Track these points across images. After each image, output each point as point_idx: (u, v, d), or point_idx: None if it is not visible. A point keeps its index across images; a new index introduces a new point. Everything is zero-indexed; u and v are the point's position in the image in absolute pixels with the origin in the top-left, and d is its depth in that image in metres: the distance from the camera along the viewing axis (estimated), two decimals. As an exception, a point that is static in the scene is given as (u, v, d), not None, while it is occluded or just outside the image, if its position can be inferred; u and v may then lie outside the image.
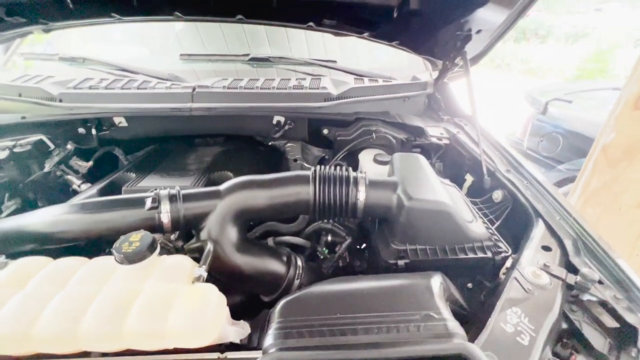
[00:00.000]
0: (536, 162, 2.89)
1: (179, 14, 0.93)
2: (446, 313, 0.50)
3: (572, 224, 0.76)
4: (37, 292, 0.52)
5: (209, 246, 0.67)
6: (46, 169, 1.06)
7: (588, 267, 0.67)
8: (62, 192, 1.12)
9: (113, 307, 0.51)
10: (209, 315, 0.51)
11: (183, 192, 0.73)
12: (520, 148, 3.05)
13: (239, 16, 0.93)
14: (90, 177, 1.14)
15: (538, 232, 0.76)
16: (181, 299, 0.52)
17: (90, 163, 1.15)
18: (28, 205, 1.07)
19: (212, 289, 0.55)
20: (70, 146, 1.11)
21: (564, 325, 0.59)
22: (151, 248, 0.58)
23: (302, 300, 0.54)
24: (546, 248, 0.72)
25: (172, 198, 0.71)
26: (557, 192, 0.85)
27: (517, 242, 0.80)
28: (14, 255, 0.66)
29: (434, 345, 0.44)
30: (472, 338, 0.51)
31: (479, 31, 0.98)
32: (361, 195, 0.75)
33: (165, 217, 0.69)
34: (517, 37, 10.26)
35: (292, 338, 0.46)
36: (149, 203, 0.68)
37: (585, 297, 0.63)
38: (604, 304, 0.61)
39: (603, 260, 0.68)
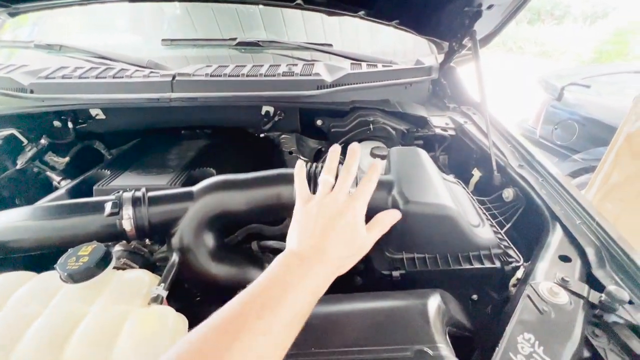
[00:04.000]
0: (550, 152, 2.75)
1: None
2: (444, 347, 0.41)
3: (596, 229, 0.66)
4: (-34, 316, 0.45)
5: (174, 258, 0.60)
6: (18, 166, 0.99)
7: (615, 282, 0.57)
8: (43, 189, 1.05)
9: (51, 335, 0.43)
10: (163, 344, 0.44)
11: (150, 194, 0.65)
12: (533, 137, 2.90)
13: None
14: (73, 172, 1.07)
15: (555, 239, 0.66)
16: (131, 325, 0.44)
17: (67, 159, 1.08)
18: (2, 203, 1.01)
19: (168, 312, 0.47)
20: (44, 141, 1.04)
21: (586, 354, 0.50)
22: (102, 263, 0.50)
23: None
24: (564, 258, 0.62)
25: (136, 201, 0.62)
26: (578, 192, 0.75)
27: (530, 248, 0.70)
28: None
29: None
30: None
31: (490, 6, 0.85)
32: None
33: (128, 224, 0.61)
34: (531, 18, 9.79)
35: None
36: (108, 208, 0.60)
37: (611, 318, 0.54)
38: (634, 328, 0.52)
39: (633, 274, 0.58)
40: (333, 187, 0.51)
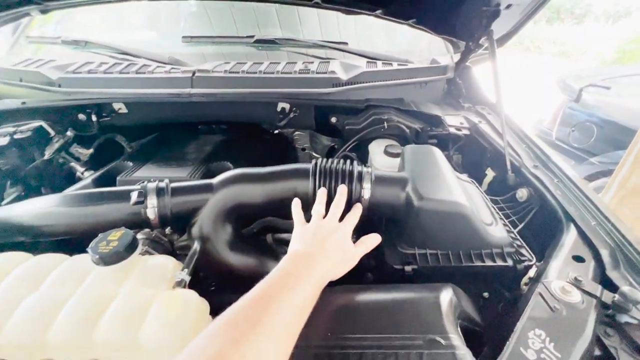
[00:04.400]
0: (566, 154, 2.69)
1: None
2: (455, 338, 0.43)
3: (611, 230, 0.66)
4: (7, 293, 0.49)
5: (195, 246, 0.62)
6: (46, 156, 1.04)
7: (629, 284, 0.57)
8: (66, 179, 1.10)
9: (84, 314, 0.46)
10: (187, 325, 0.46)
11: (172, 185, 0.68)
12: (549, 138, 2.84)
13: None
14: (95, 164, 1.12)
15: (569, 240, 0.66)
16: (157, 307, 0.47)
17: (91, 150, 1.12)
18: (31, 192, 1.06)
19: (191, 295, 0.50)
20: (70, 133, 1.08)
21: (597, 352, 0.51)
22: (130, 248, 0.53)
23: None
24: (578, 258, 0.62)
25: (160, 192, 0.65)
26: (594, 193, 0.74)
27: (543, 249, 0.70)
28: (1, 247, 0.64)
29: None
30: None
31: (508, 6, 0.85)
32: (366, 192, 0.67)
33: (152, 213, 0.64)
34: (550, 17, 9.54)
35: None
36: (134, 197, 0.64)
37: (624, 319, 0.54)
38: (646, 328, 0.52)
39: (648, 276, 0.58)
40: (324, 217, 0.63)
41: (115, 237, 0.54)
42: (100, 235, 0.55)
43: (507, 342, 0.47)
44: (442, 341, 0.42)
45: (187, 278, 0.53)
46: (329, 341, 0.42)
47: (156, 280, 0.52)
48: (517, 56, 8.06)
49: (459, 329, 0.47)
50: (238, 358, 0.34)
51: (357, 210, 0.67)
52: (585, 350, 0.48)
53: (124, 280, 0.52)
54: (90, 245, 0.52)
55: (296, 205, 0.68)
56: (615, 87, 2.61)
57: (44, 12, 1.01)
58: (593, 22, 8.89)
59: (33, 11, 1.00)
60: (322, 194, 0.68)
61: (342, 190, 0.67)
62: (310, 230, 0.59)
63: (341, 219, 0.64)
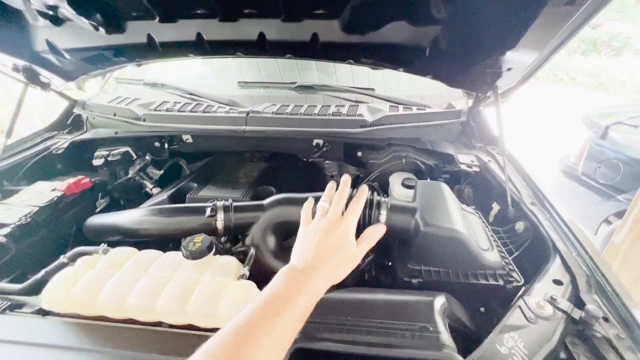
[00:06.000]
0: (592, 190, 2.70)
1: (240, 54, 1.12)
2: (442, 327, 0.59)
3: (588, 261, 0.79)
4: (128, 275, 0.71)
5: (252, 251, 0.83)
6: (130, 175, 1.31)
7: (597, 304, 0.70)
8: (137, 193, 1.38)
9: (180, 292, 0.67)
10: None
11: (235, 204, 0.90)
12: (575, 173, 2.86)
13: (289, 55, 1.10)
14: (160, 181, 1.39)
15: (553, 267, 0.79)
16: (228, 291, 0.67)
17: (162, 171, 1.39)
18: (113, 203, 1.33)
19: (252, 285, 0.69)
20: (148, 157, 1.37)
21: (563, 356, 0.63)
22: (209, 248, 0.75)
23: (323, 302, 0.66)
24: (557, 282, 0.75)
25: (226, 209, 0.87)
26: (579, 229, 0.87)
27: (535, 273, 0.83)
28: (108, 244, 0.88)
29: (423, 351, 0.53)
30: (467, 355, 0.59)
31: (509, 69, 1.03)
32: (382, 218, 0.85)
33: (220, 224, 0.86)
34: (585, 49, 9.43)
35: (311, 331, 0.58)
36: (208, 212, 0.86)
37: (590, 332, 0.66)
38: (608, 340, 0.64)
39: (613, 300, 0.70)
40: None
41: (199, 240, 0.75)
42: (187, 238, 0.77)
43: (485, 340, 0.62)
44: (431, 328, 0.58)
45: (247, 273, 0.73)
46: (349, 321, 0.59)
47: (226, 273, 0.72)
48: (549, 87, 7.99)
49: (446, 324, 0.63)
50: None
51: (361, 195, 0.66)
52: (550, 352, 0.61)
53: (204, 271, 0.72)
54: (182, 245, 0.74)
55: (307, 204, 0.69)
56: (644, 125, 2.62)
57: (139, 65, 1.32)
58: (632, 55, 8.68)
59: (131, 65, 1.30)
60: (329, 188, 0.68)
61: (345, 179, 0.67)
62: (310, 230, 0.59)
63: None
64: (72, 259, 0.78)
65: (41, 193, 1.07)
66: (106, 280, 0.69)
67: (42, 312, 0.68)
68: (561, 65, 8.51)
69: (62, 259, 0.78)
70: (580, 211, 2.74)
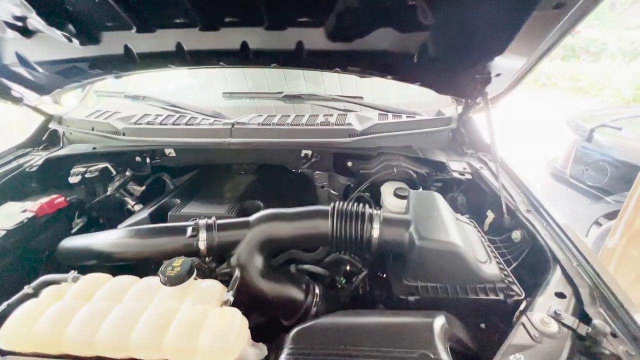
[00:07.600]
0: (580, 192, 2.72)
1: (224, 64, 1.07)
2: (443, 354, 0.54)
3: (590, 271, 0.75)
4: (99, 306, 0.64)
5: (237, 273, 0.77)
6: (109, 192, 1.24)
7: (603, 318, 0.66)
8: (118, 211, 1.30)
9: (156, 324, 0.61)
10: (233, 337, 0.60)
11: (218, 222, 0.84)
12: (563, 176, 2.89)
13: (274, 64, 1.06)
14: (143, 198, 1.32)
15: (554, 278, 0.76)
16: (210, 321, 0.61)
17: (143, 187, 1.33)
18: (92, 222, 1.25)
19: (236, 313, 0.63)
20: (128, 173, 1.30)
21: (572, 377, 0.59)
22: (189, 273, 0.68)
23: (313, 329, 0.61)
24: (560, 295, 0.72)
25: (209, 227, 0.82)
26: (578, 238, 0.85)
27: (535, 285, 0.80)
28: (80, 268, 0.81)
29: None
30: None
31: (498, 74, 1.02)
32: (375, 232, 0.81)
33: (202, 245, 0.80)
34: (565, 55, 9.73)
35: (301, 364, 0.53)
36: (189, 232, 0.80)
37: (597, 349, 0.63)
38: (618, 358, 0.61)
39: (619, 312, 0.67)
40: None
41: (178, 264, 0.69)
42: (165, 262, 0.70)
43: (490, 363, 0.57)
44: (432, 355, 0.53)
45: (232, 298, 0.68)
46: (343, 351, 0.54)
47: (208, 299, 0.66)
48: (532, 92, 8.19)
49: (448, 349, 0.58)
50: None
51: None
52: (558, 374, 0.57)
53: (184, 298, 0.66)
54: (160, 270, 0.68)
55: None
56: (627, 127, 2.67)
57: (117, 77, 1.26)
58: (609, 59, 9.00)
59: (110, 77, 1.25)
60: None
61: None
62: None
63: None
64: (38, 289, 0.71)
65: (10, 214, 0.99)
66: (74, 313, 0.62)
67: (1, 353, 0.60)
68: (543, 70, 8.77)
69: (27, 289, 0.71)
70: (571, 214, 2.75)
